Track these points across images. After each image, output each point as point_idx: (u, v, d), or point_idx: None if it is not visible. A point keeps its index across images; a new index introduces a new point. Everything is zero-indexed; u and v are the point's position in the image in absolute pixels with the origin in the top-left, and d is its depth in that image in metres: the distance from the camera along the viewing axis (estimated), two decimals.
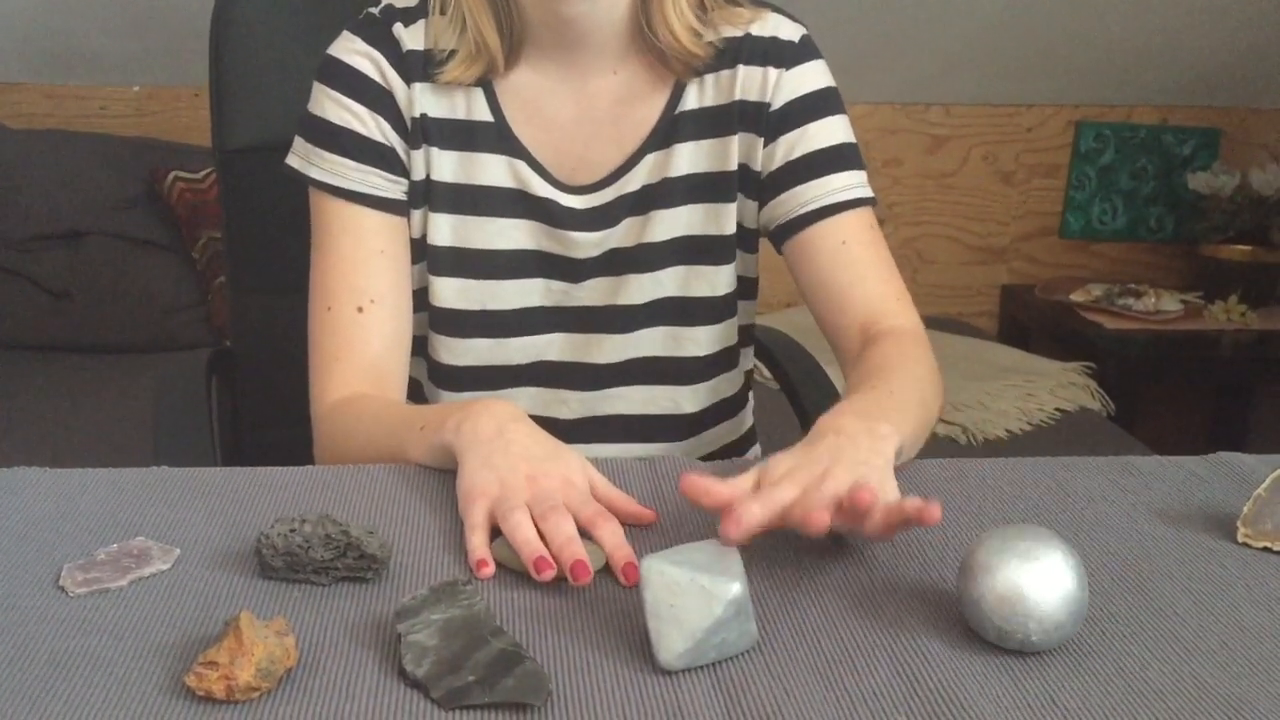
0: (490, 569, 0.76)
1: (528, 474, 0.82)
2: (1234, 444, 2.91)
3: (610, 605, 0.73)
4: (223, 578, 0.75)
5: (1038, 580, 0.68)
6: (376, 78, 1.06)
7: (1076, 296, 2.88)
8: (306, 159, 1.07)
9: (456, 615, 0.68)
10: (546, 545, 0.76)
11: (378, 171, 1.06)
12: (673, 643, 0.66)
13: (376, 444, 0.97)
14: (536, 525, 0.77)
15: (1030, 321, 3.00)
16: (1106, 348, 2.67)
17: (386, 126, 1.07)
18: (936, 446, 2.22)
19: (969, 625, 0.70)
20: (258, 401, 1.45)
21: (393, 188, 1.07)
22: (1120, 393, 2.56)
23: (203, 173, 2.45)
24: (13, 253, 2.43)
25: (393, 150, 1.07)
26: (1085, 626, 0.72)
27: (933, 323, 2.89)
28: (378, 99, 1.06)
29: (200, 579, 0.74)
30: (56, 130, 2.56)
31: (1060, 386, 2.52)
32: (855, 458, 0.79)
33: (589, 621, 0.71)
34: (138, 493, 0.86)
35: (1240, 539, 0.84)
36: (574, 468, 0.85)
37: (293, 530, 0.74)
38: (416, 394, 1.18)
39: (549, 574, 0.73)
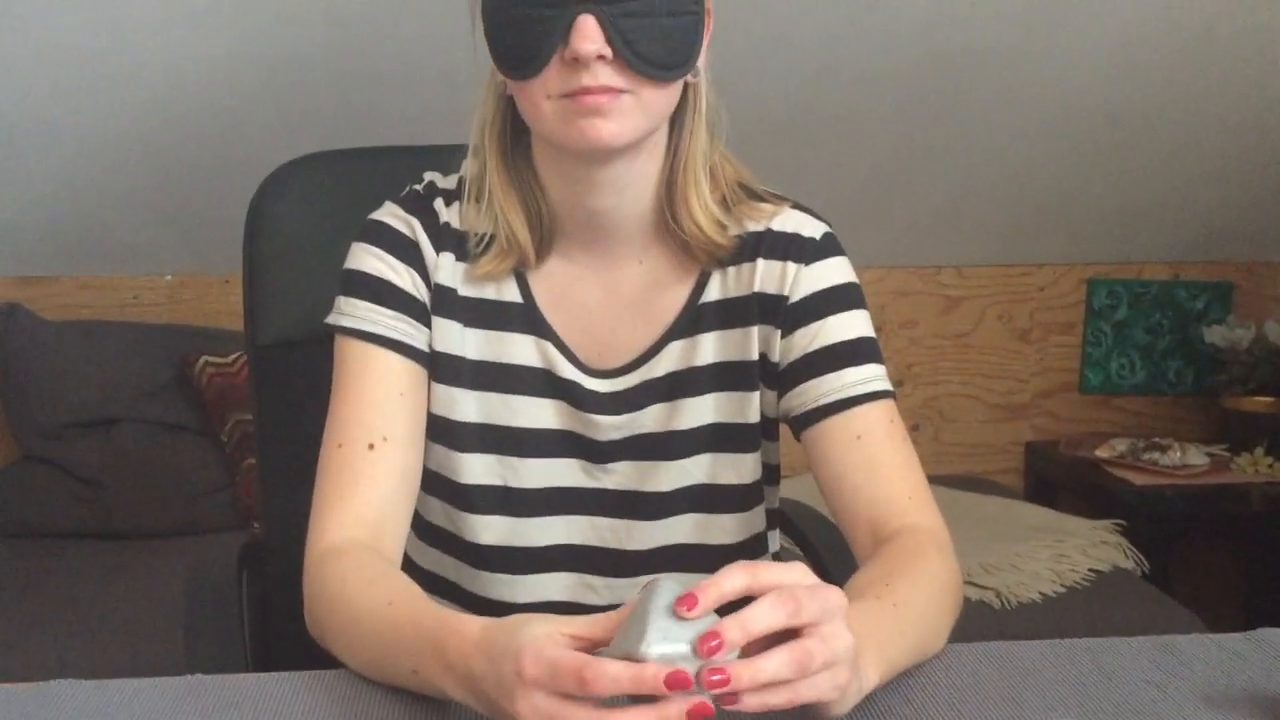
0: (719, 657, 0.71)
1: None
2: (1272, 597, 2.86)
3: None
4: None
5: None
6: (411, 237, 1.10)
7: (1101, 452, 2.87)
8: (338, 311, 1.10)
9: None
10: None
11: (407, 319, 1.09)
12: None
13: (359, 655, 0.92)
14: None
15: (1056, 478, 2.99)
16: (1135, 504, 2.64)
17: (419, 280, 1.10)
18: (970, 611, 2.18)
19: None
20: (287, 590, 1.45)
21: (420, 337, 1.09)
22: (1153, 550, 2.53)
23: (232, 356, 2.50)
24: (46, 441, 2.46)
25: (423, 304, 1.10)
26: None
27: (958, 482, 2.89)
28: (412, 256, 1.10)
29: None
30: (89, 320, 2.62)
31: (1091, 545, 2.49)
32: (835, 682, 0.75)
33: None
34: (173, 704, 0.85)
35: None
36: (521, 647, 0.75)
37: None
38: (437, 585, 1.17)
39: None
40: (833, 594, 0.75)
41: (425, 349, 1.10)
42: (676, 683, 0.69)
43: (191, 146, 2.37)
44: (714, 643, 0.70)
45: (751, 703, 0.71)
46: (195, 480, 2.47)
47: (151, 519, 2.45)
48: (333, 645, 0.96)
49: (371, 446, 1.05)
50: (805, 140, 2.54)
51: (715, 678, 0.69)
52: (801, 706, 0.75)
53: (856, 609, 0.87)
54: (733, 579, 0.74)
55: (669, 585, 0.74)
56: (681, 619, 0.71)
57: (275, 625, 1.45)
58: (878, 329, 1.14)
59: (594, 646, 0.75)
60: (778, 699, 0.72)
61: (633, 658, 0.71)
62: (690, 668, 0.70)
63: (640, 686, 0.69)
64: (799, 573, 0.76)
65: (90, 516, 2.44)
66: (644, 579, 1.13)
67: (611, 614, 0.76)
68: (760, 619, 0.72)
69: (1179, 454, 2.78)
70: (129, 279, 2.72)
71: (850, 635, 0.75)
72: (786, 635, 0.73)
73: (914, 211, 2.83)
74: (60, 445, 2.45)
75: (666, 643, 0.70)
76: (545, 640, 0.73)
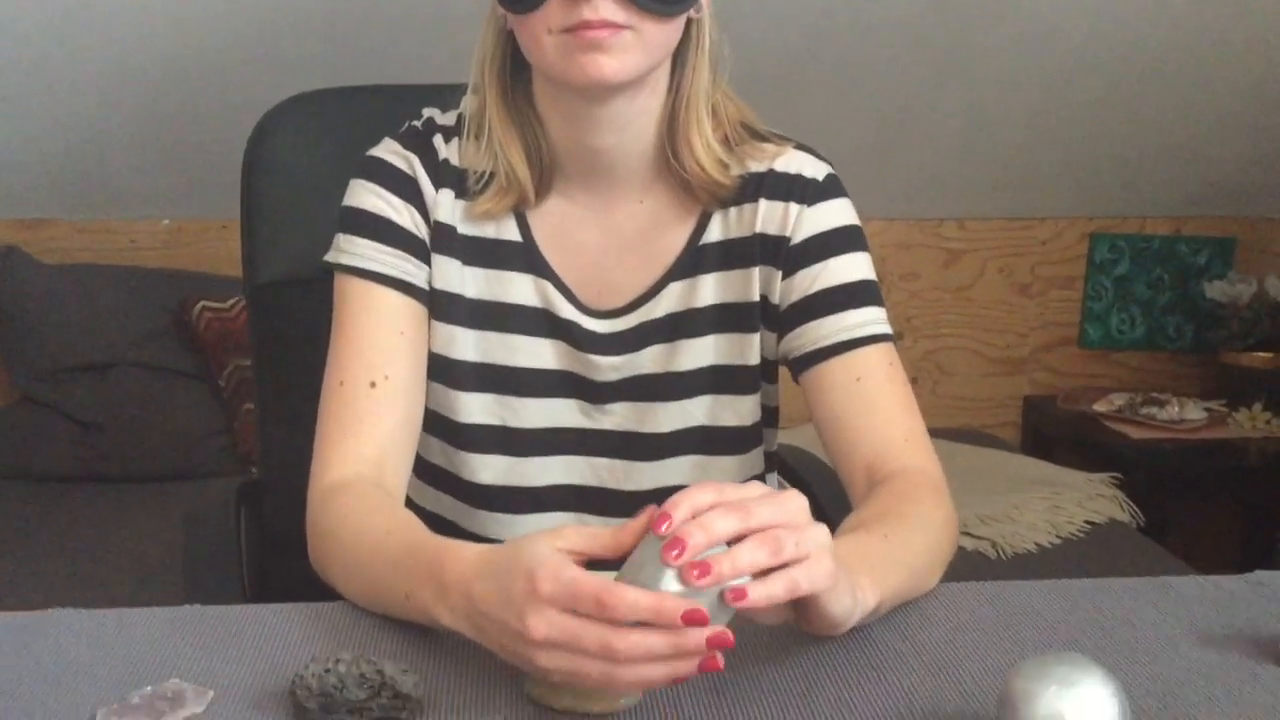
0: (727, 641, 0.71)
1: (519, 631, 0.73)
2: (1267, 552, 2.87)
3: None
4: None
5: (1079, 707, 0.67)
6: (410, 174, 1.09)
7: (1099, 406, 2.88)
8: (338, 249, 1.09)
9: None
10: None
11: (407, 257, 1.08)
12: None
13: (357, 584, 0.92)
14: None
15: (1053, 432, 2.99)
16: (1132, 458, 2.65)
17: (418, 218, 1.09)
18: (966, 561, 2.19)
19: None
20: (286, 531, 1.45)
21: (419, 274, 1.09)
22: (1149, 503, 2.54)
23: (230, 301, 2.49)
24: (43, 385, 2.46)
25: (422, 242, 1.09)
26: None
27: (955, 435, 2.89)
28: (411, 193, 1.09)
29: None
30: (87, 264, 2.61)
31: (1088, 498, 2.50)
32: (824, 568, 0.74)
33: None
34: (171, 632, 0.86)
35: None
36: (534, 565, 0.75)
37: (327, 670, 0.74)
38: (436, 525, 1.17)
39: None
40: (791, 495, 0.76)
41: (425, 287, 1.09)
42: (694, 619, 0.69)
43: (188, 87, 2.35)
44: (699, 569, 0.70)
45: (757, 594, 0.71)
46: (193, 425, 2.47)
47: (149, 463, 2.45)
48: (332, 577, 0.96)
49: (373, 384, 1.04)
50: (805, 90, 2.52)
51: (695, 571, 0.69)
52: (810, 613, 0.76)
53: (847, 539, 0.88)
54: (701, 495, 0.74)
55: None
56: None
57: (273, 564, 1.45)
58: (878, 282, 1.13)
59: (591, 561, 0.75)
60: (778, 587, 0.72)
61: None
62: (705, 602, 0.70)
63: (659, 617, 0.69)
64: (759, 487, 0.77)
65: (88, 459, 2.44)
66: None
67: (606, 530, 0.76)
68: (717, 521, 0.72)
69: (1177, 409, 2.79)
70: (126, 223, 2.70)
71: (820, 526, 0.75)
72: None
73: (915, 163, 2.81)
74: (58, 388, 2.45)
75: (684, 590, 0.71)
76: (559, 559, 0.72)
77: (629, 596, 0.69)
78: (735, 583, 0.71)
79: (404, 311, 1.08)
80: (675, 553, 0.70)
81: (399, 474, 1.06)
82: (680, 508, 0.72)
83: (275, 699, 0.77)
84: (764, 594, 0.71)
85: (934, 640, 0.86)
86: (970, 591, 0.95)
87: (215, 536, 1.29)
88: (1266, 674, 0.81)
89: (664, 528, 0.71)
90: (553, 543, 0.74)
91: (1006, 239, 3.03)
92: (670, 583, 0.70)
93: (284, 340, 1.41)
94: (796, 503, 0.75)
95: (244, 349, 2.37)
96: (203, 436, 2.48)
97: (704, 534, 0.71)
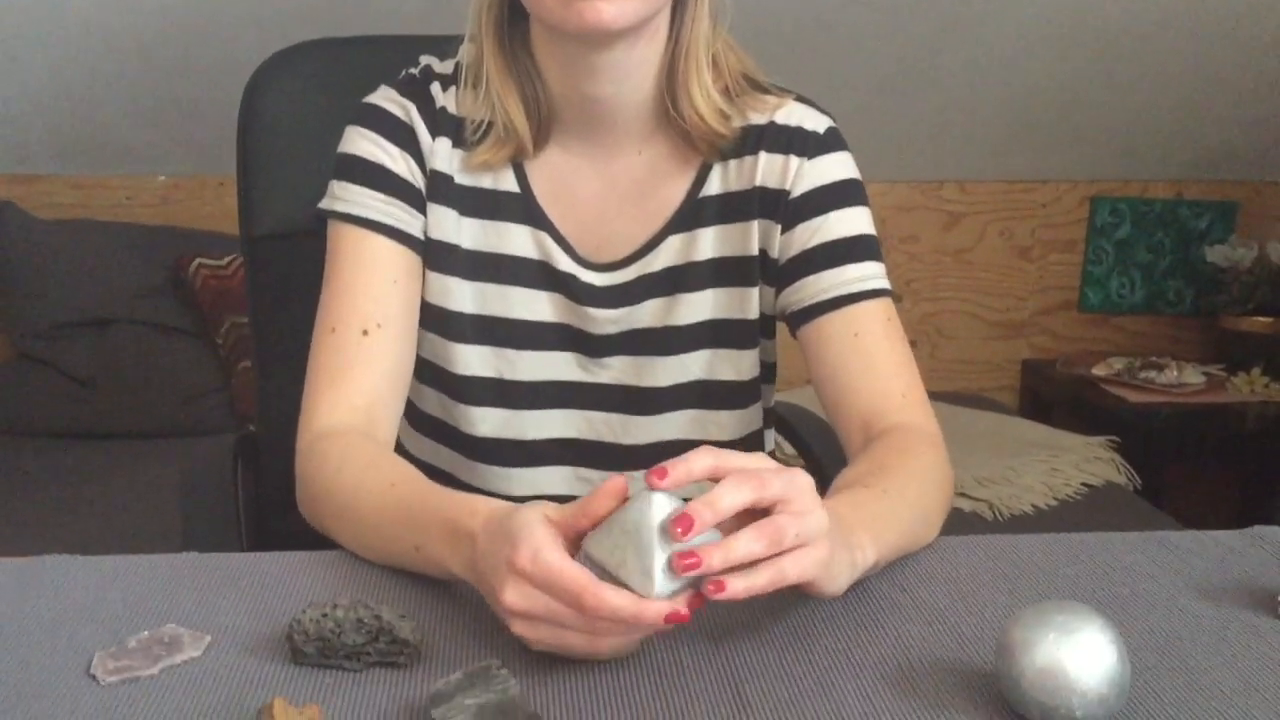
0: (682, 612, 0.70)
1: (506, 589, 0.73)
2: (1263, 518, 2.87)
3: (644, 689, 0.72)
4: (254, 664, 0.74)
5: (1078, 654, 0.67)
6: (407, 121, 1.08)
7: (1098, 370, 2.88)
8: (332, 195, 1.08)
9: (491, 700, 0.67)
10: None
11: (401, 205, 1.07)
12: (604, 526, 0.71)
13: (354, 531, 0.92)
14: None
15: (1052, 396, 2.99)
16: (1130, 421, 2.65)
17: (414, 166, 1.08)
18: (963, 522, 2.20)
19: (1010, 705, 0.69)
20: (283, 486, 1.45)
21: (414, 223, 1.08)
22: (1146, 467, 2.54)
23: (226, 259, 2.48)
24: (39, 341, 2.46)
25: (418, 190, 1.08)
26: (1129, 706, 0.70)
27: (954, 398, 2.89)
28: (408, 140, 1.08)
29: (232, 666, 0.74)
30: (83, 220, 2.60)
31: (1085, 461, 2.50)
32: (816, 556, 0.73)
33: (623, 707, 0.70)
34: (168, 579, 0.85)
35: None
36: (518, 537, 0.75)
37: (324, 615, 0.74)
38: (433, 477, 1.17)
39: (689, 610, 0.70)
40: (799, 474, 0.74)
41: (419, 235, 1.09)
42: (675, 620, 0.69)
43: (184, 40, 2.33)
44: (689, 560, 0.69)
45: (737, 587, 0.70)
46: (189, 382, 2.46)
47: (146, 420, 2.45)
48: (328, 526, 0.96)
49: (365, 333, 1.04)
50: (804, 52, 2.50)
51: (687, 561, 0.69)
52: (801, 585, 0.74)
53: (845, 495, 0.87)
54: (700, 459, 0.72)
55: (661, 502, 0.71)
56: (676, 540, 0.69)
57: (270, 519, 1.45)
58: (878, 237, 1.12)
59: (578, 535, 0.74)
60: (761, 580, 0.70)
61: (625, 583, 0.70)
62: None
63: (640, 620, 0.68)
64: (764, 460, 0.75)
65: (84, 416, 2.44)
66: (640, 474, 1.13)
67: (590, 501, 0.74)
68: (727, 496, 0.71)
69: (1175, 373, 2.79)
70: (122, 179, 2.69)
71: (823, 511, 0.74)
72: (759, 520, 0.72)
73: (916, 125, 2.79)
74: (54, 345, 2.44)
75: (669, 581, 0.69)
76: (543, 536, 0.71)
77: (610, 602, 0.68)
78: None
79: (398, 260, 1.07)
80: (680, 529, 0.69)
81: (389, 423, 1.05)
82: (677, 471, 0.71)
83: (272, 644, 0.77)
84: (744, 586, 0.70)
85: (932, 592, 0.86)
86: (968, 545, 0.95)
87: (212, 491, 1.29)
88: (1264, 626, 0.81)
89: (662, 481, 0.70)
90: (545, 512, 0.74)
91: (1007, 202, 3.02)
92: (659, 559, 0.69)
93: (280, 293, 1.40)
94: (805, 480, 0.74)
95: (241, 307, 2.36)
96: (200, 394, 2.47)
97: (711, 513, 0.70)
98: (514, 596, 0.71)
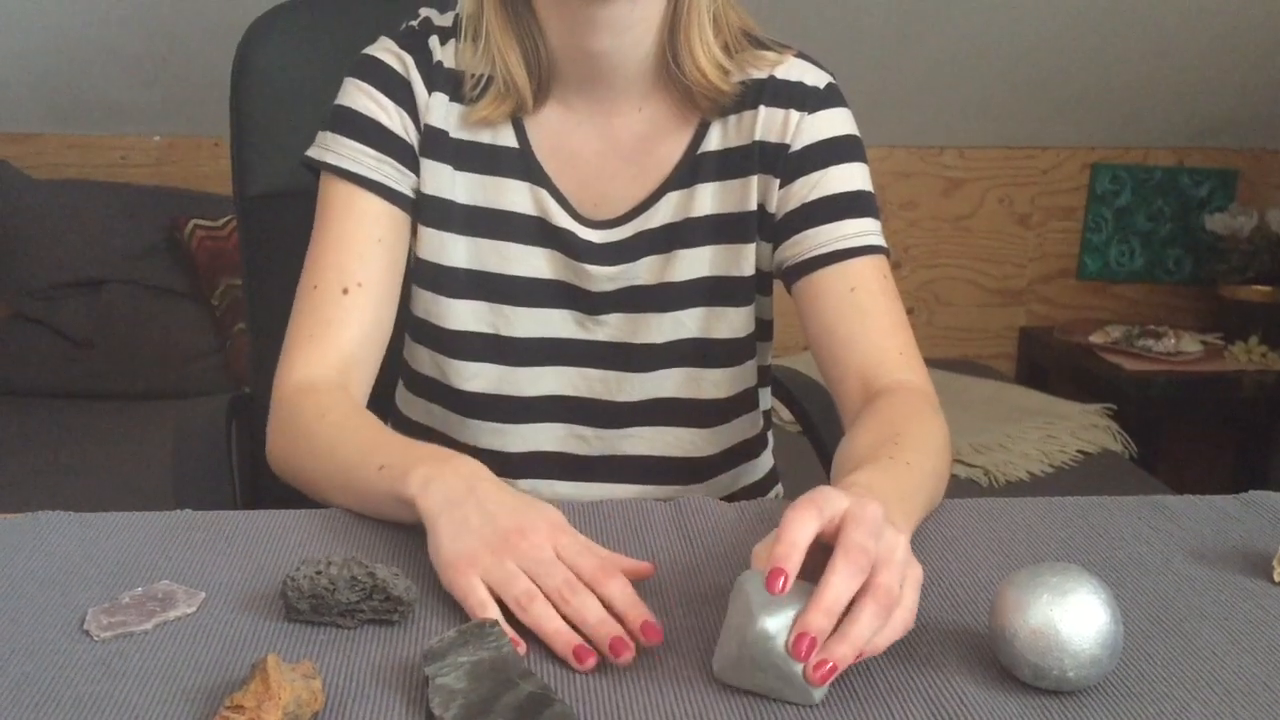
0: (593, 660, 0.70)
1: (509, 529, 0.78)
2: (1258, 486, 2.88)
3: (637, 649, 0.72)
4: (248, 621, 0.74)
5: (1071, 615, 0.67)
6: (404, 75, 1.08)
7: (1095, 338, 2.87)
8: (323, 146, 1.08)
9: (484, 658, 0.67)
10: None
11: (392, 162, 1.07)
12: (726, 650, 0.68)
13: (327, 468, 0.93)
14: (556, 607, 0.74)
15: (1049, 363, 2.99)
16: (1127, 389, 2.65)
17: (408, 122, 1.08)
18: (958, 488, 2.20)
19: (1003, 665, 0.69)
20: None
21: (404, 181, 1.08)
22: (1142, 435, 2.55)
23: (222, 220, 2.47)
24: (34, 301, 2.45)
25: (411, 147, 1.08)
26: (1122, 668, 0.71)
27: (951, 365, 2.89)
28: (404, 95, 1.08)
29: (226, 622, 0.74)
30: (78, 180, 2.59)
31: (1081, 428, 2.50)
32: (905, 606, 0.70)
33: (610, 668, 0.70)
34: (162, 536, 0.85)
35: (1277, 578, 0.82)
36: (554, 514, 0.81)
37: (318, 573, 0.74)
38: (426, 437, 1.17)
39: (591, 662, 0.70)
40: (894, 533, 0.71)
41: (409, 194, 1.08)
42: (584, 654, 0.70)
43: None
44: (824, 671, 0.65)
45: (829, 669, 0.65)
46: (185, 344, 2.46)
47: (141, 381, 2.44)
48: (299, 472, 0.97)
49: (345, 291, 1.04)
50: (804, 17, 2.48)
51: (823, 670, 0.65)
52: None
53: (875, 471, 0.85)
54: (805, 528, 0.69)
55: (751, 576, 0.69)
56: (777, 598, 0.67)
57: (263, 478, 1.45)
58: (875, 195, 1.11)
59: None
60: (882, 641, 0.68)
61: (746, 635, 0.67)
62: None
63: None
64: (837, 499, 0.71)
65: (79, 376, 2.43)
66: (634, 430, 1.13)
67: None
68: (797, 531, 0.68)
69: (1173, 341, 2.78)
70: (117, 139, 2.67)
71: (896, 531, 0.71)
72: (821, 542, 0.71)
73: (916, 90, 2.77)
74: (49, 305, 2.44)
75: (773, 617, 0.67)
76: (575, 539, 0.79)
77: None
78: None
79: (384, 218, 1.07)
80: (803, 650, 0.65)
81: (363, 384, 1.06)
82: (791, 559, 0.67)
83: (266, 601, 0.76)
84: (838, 659, 0.66)
85: (927, 555, 0.86)
86: (963, 508, 0.95)
87: (205, 450, 1.28)
88: (1258, 589, 0.81)
89: (779, 585, 0.66)
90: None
91: (1007, 168, 3.00)
92: (797, 670, 0.66)
93: (274, 253, 1.39)
94: (899, 540, 0.71)
95: (236, 269, 2.35)
96: (195, 355, 2.47)
97: (850, 648, 0.66)
98: (534, 548, 0.77)
